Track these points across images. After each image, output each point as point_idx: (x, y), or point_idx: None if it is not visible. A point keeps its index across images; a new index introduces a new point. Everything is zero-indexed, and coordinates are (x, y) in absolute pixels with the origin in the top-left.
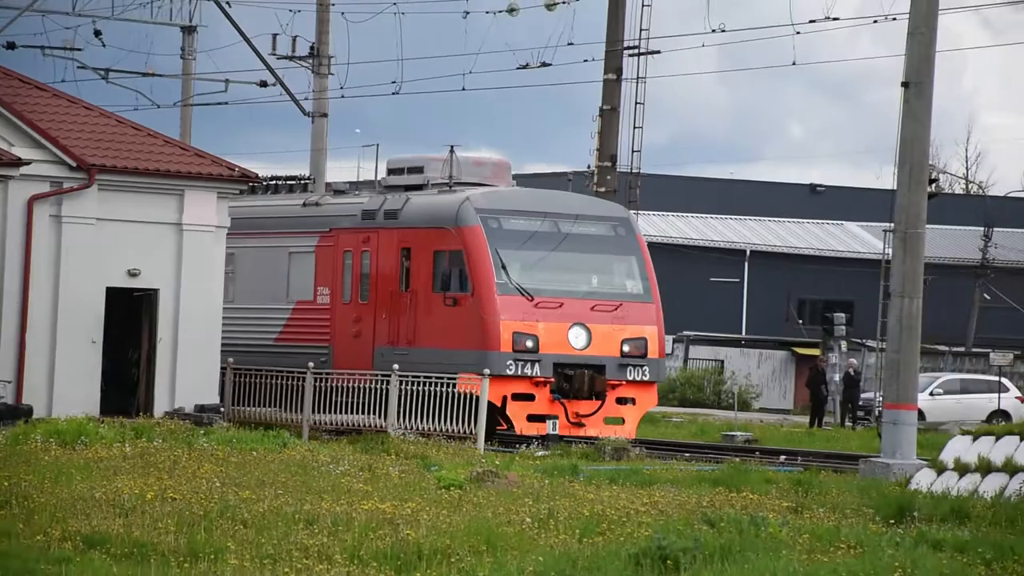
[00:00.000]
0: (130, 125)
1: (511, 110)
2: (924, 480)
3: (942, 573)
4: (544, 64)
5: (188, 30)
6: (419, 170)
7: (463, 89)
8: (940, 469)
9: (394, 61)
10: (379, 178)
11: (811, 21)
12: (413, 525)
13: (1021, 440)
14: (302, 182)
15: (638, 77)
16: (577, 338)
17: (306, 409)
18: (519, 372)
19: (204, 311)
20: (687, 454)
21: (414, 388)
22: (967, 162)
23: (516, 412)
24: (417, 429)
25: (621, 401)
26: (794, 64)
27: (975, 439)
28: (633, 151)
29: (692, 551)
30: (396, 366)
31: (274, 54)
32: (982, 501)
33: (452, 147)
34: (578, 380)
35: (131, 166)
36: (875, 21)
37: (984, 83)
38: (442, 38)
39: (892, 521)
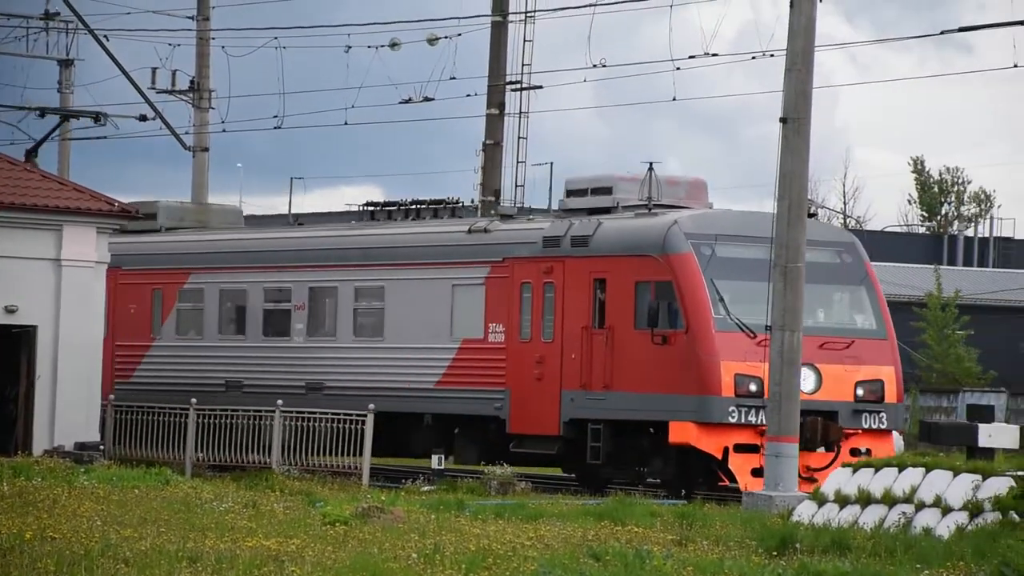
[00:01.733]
0: (6, 159)
1: (395, 144)
2: (806, 512)
3: None
4: (427, 99)
5: (65, 63)
6: (607, 191)
7: (345, 123)
8: (821, 501)
9: (276, 95)
10: (559, 200)
11: (691, 57)
12: (298, 562)
13: (899, 472)
14: (448, 206)
15: (520, 112)
16: (806, 380)
17: (189, 446)
18: (742, 420)
19: (84, 347)
20: (573, 488)
21: (298, 424)
22: (844, 197)
23: (740, 466)
24: (301, 465)
25: (855, 453)
26: (674, 99)
27: (855, 471)
28: (517, 185)
29: None
30: (280, 402)
31: (153, 88)
32: (862, 532)
33: (651, 164)
34: (809, 429)
35: (6, 201)
36: (753, 58)
37: (857, 119)
38: (323, 72)
39: (775, 553)
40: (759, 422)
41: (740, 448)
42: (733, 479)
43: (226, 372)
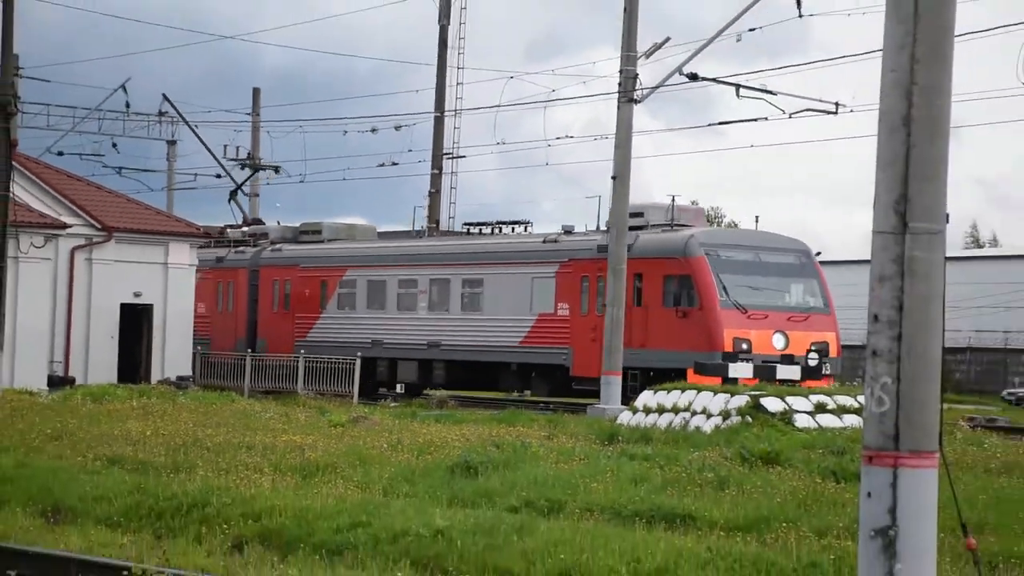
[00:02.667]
0: (134, 202)
1: (379, 193)
2: (625, 418)
3: (634, 472)
4: (394, 163)
5: (170, 143)
6: (640, 215)
7: (344, 179)
8: (635, 411)
9: (300, 161)
10: (606, 221)
11: (557, 138)
12: (313, 449)
13: (682, 392)
14: (521, 223)
15: (453, 172)
16: (778, 342)
17: (247, 378)
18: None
19: (181, 318)
20: (483, 405)
21: (316, 365)
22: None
23: None
24: (316, 390)
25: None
26: (547, 164)
27: (656, 392)
28: (450, 218)
29: (486, 463)
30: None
31: (225, 157)
32: (658, 430)
33: (673, 197)
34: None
35: (135, 227)
36: (595, 139)
37: (655, 176)
38: (330, 147)
39: (606, 442)
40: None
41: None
42: None
43: (372, 334)
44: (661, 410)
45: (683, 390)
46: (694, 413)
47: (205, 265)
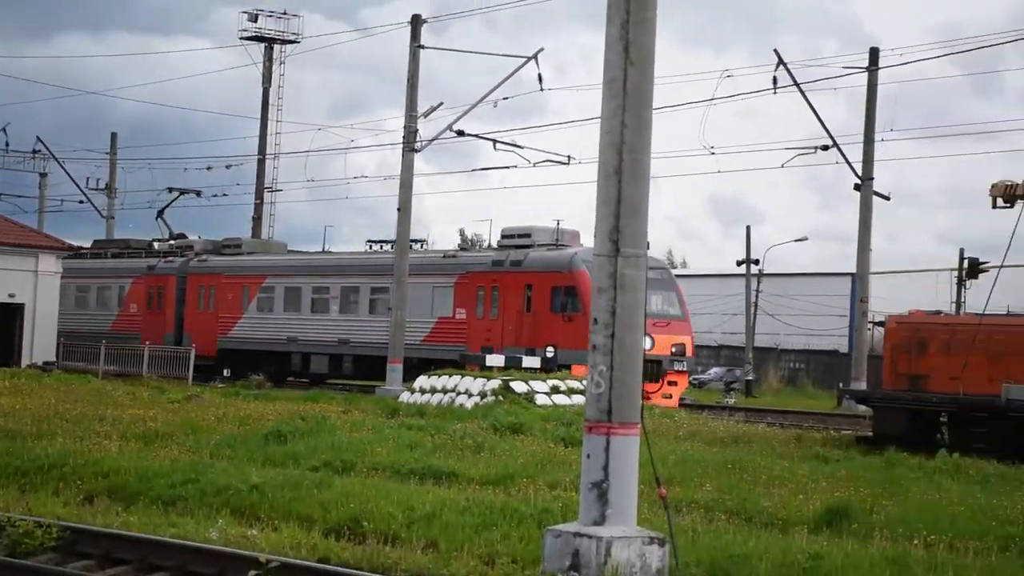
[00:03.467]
0: (11, 221)
1: (213, 217)
2: (406, 397)
3: (410, 439)
4: (224, 195)
5: (42, 175)
6: (527, 235)
7: (184, 206)
8: (413, 391)
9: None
10: (497, 240)
11: (355, 177)
12: (154, 420)
13: (450, 377)
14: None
15: (272, 202)
16: (646, 343)
17: (101, 362)
18: None
19: (48, 315)
20: (297, 386)
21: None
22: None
23: None
24: (159, 374)
25: (671, 383)
26: (347, 198)
27: (429, 376)
28: (270, 237)
29: (294, 432)
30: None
31: (88, 187)
32: (430, 406)
33: (558, 221)
34: (647, 369)
35: (10, 241)
36: (385, 179)
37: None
38: (174, 182)
39: (390, 416)
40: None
41: None
42: None
43: (288, 332)
44: (433, 391)
45: (451, 375)
46: (459, 393)
47: (137, 272)
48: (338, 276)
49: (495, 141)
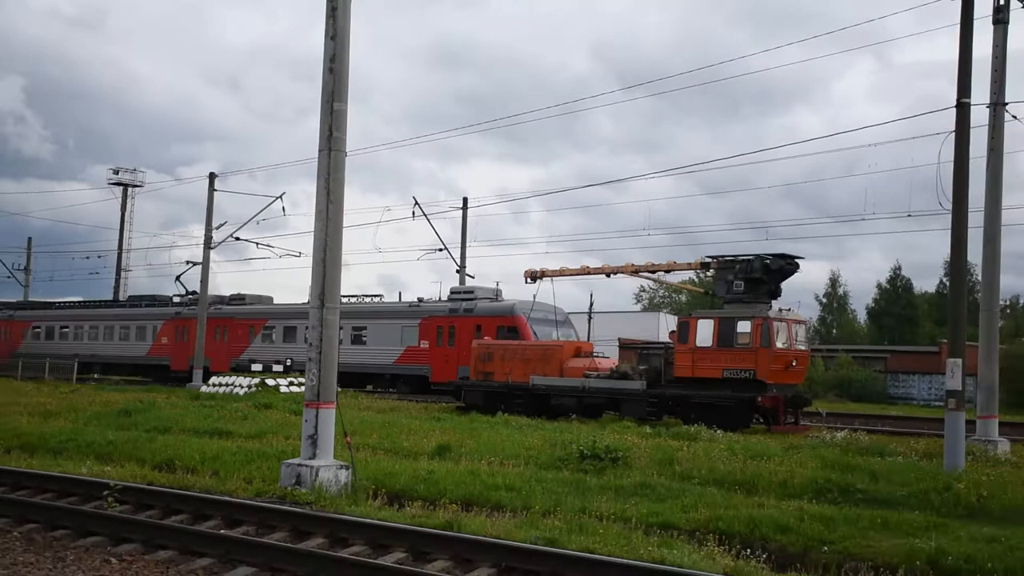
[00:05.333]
0: None
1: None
2: (205, 389)
3: (206, 412)
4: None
5: None
6: (471, 291)
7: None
8: (210, 386)
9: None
10: (448, 295)
11: None
12: (50, 404)
13: (231, 377)
14: (378, 295)
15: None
16: None
17: (19, 370)
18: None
19: None
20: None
21: (57, 363)
22: None
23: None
24: (56, 377)
25: None
26: None
27: (219, 376)
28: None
29: (136, 410)
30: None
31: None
32: (219, 394)
33: (497, 283)
34: None
35: None
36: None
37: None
38: None
39: (196, 400)
40: None
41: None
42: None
43: (287, 355)
44: (221, 385)
45: (233, 376)
46: (236, 386)
47: (167, 316)
48: (283, 319)
49: (257, 243)
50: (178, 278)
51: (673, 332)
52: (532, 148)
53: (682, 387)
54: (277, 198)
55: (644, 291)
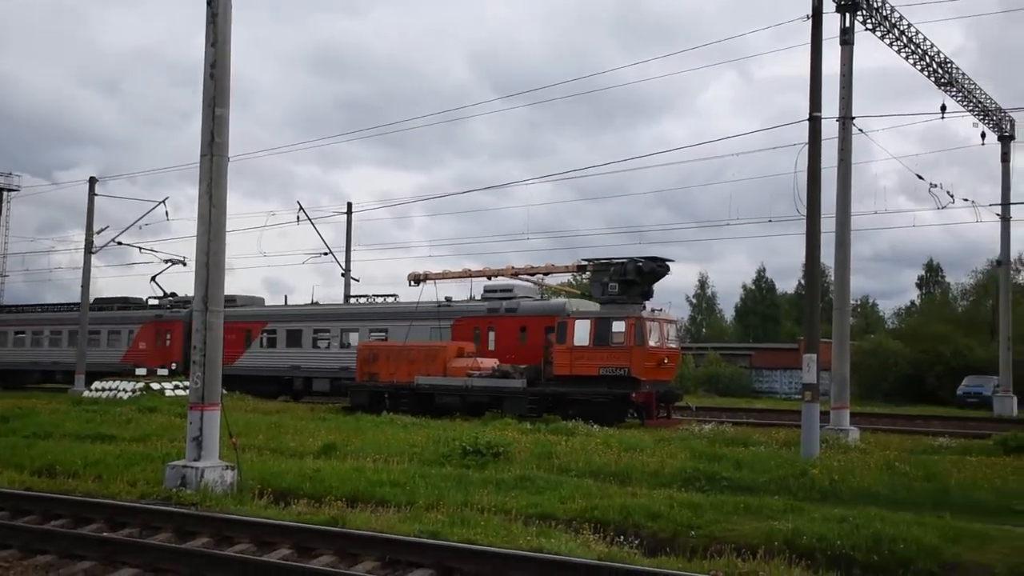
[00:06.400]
0: None
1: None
2: (88, 393)
3: (87, 416)
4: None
5: None
6: (509, 289)
7: None
8: (93, 390)
9: None
10: (482, 293)
11: None
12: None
13: (115, 382)
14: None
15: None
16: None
17: None
18: None
19: None
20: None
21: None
22: None
23: None
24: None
25: None
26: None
27: (103, 381)
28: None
29: (14, 415)
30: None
31: None
32: (102, 398)
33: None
34: None
35: None
36: None
37: None
38: None
39: (77, 404)
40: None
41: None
42: None
43: (291, 362)
44: (105, 389)
45: (116, 380)
46: (120, 390)
47: (147, 319)
48: (336, 320)
49: (140, 248)
50: (154, 278)
51: (552, 331)
52: (414, 154)
53: (561, 385)
54: (160, 203)
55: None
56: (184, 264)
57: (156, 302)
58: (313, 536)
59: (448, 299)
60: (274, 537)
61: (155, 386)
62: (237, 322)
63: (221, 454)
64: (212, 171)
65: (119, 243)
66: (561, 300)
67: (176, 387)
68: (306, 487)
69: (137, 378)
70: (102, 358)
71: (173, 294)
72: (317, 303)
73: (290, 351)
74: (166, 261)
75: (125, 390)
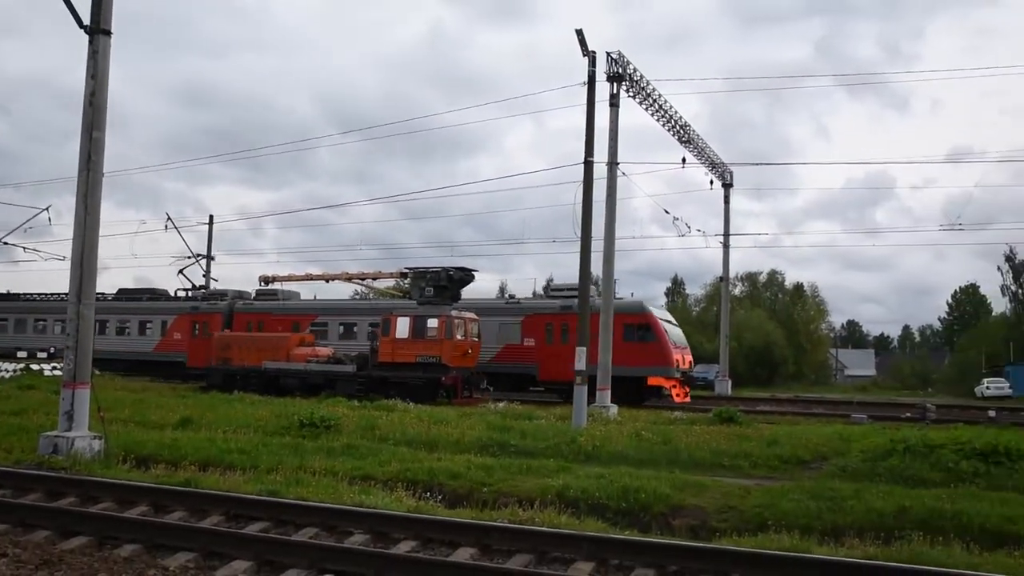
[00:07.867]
0: None
1: None
2: None
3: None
4: None
5: None
6: (575, 288)
7: None
8: None
9: None
10: (546, 291)
11: None
12: None
13: (2, 362)
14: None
15: None
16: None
17: None
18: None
19: None
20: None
21: None
22: None
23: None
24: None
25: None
26: None
27: None
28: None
29: None
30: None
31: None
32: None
33: (615, 280)
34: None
35: None
36: None
37: None
38: None
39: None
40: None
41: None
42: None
43: (343, 349)
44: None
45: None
46: (2, 371)
47: (184, 311)
48: (338, 315)
49: (24, 247)
50: (181, 271)
51: (378, 327)
52: (268, 175)
53: (385, 370)
54: (44, 210)
55: (357, 294)
56: (63, 260)
57: (184, 294)
58: (169, 495)
59: (512, 296)
60: (134, 496)
61: (35, 367)
62: (284, 315)
63: (91, 426)
64: (88, 184)
65: (5, 243)
66: (638, 299)
67: (54, 368)
68: (165, 454)
69: (18, 359)
70: (132, 347)
71: (203, 287)
72: (368, 296)
73: (342, 343)
74: (188, 257)
75: (7, 370)
